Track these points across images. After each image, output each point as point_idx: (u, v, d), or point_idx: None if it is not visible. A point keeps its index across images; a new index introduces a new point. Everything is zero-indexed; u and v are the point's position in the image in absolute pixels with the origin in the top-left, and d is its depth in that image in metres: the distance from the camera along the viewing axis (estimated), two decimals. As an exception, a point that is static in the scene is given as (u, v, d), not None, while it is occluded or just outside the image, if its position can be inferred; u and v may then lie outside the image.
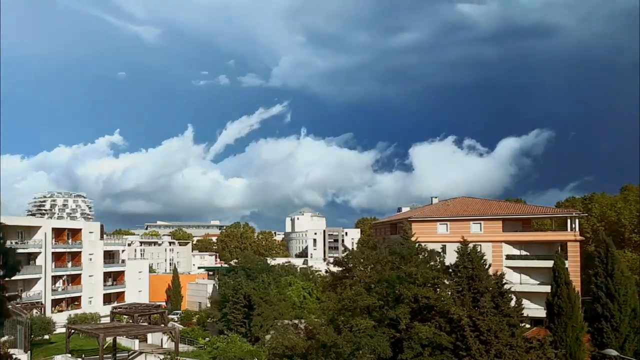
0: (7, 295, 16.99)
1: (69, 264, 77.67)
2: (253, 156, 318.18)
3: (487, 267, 31.76)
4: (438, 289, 31.32)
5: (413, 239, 39.17)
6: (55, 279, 75.05)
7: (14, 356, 18.82)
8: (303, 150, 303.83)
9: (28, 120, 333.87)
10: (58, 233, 76.58)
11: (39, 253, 70.89)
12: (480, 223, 62.89)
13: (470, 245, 32.50)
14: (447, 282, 31.88)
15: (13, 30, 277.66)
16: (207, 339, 60.49)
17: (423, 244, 37.28)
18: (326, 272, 40.47)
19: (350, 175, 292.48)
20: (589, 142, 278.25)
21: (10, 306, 17.52)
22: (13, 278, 16.42)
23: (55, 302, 74.61)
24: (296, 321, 44.60)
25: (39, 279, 70.47)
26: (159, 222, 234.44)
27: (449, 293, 31.01)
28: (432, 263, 33.79)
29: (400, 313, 29.89)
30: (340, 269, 36.70)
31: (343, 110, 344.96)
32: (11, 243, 62.17)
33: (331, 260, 43.56)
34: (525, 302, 52.35)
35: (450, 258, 35.54)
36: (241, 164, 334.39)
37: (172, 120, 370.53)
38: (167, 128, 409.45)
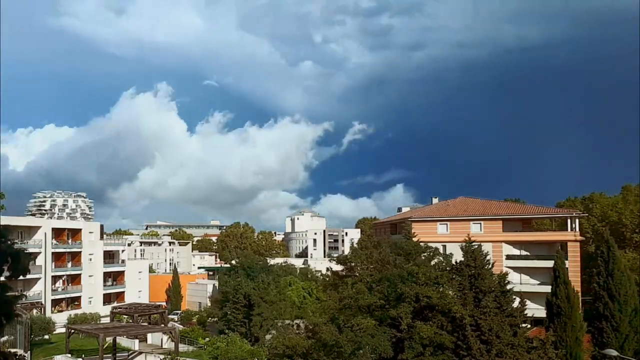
0: (12, 295, 16.92)
1: (69, 264, 77.61)
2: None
3: (490, 266, 31.73)
4: (441, 288, 31.26)
5: (415, 239, 39.19)
6: (55, 279, 74.99)
7: (17, 353, 18.77)
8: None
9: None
10: (58, 233, 76.53)
11: (39, 253, 70.77)
12: (480, 223, 62.87)
13: (475, 244, 32.45)
14: (450, 281, 31.83)
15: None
16: (207, 339, 60.46)
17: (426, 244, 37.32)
18: (327, 270, 40.44)
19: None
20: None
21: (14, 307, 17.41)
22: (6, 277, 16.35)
23: (55, 302, 74.54)
24: (297, 321, 44.62)
25: (38, 279, 70.38)
26: (158, 222, 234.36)
27: (450, 292, 30.97)
28: (435, 261, 33.77)
29: (401, 312, 29.85)
30: (342, 267, 36.69)
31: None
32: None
33: (334, 258, 43.56)
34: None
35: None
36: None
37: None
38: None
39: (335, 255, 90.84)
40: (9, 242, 15.70)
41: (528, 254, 61.65)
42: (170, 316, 78.85)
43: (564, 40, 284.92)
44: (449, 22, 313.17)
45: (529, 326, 34.06)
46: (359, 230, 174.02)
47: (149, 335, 60.67)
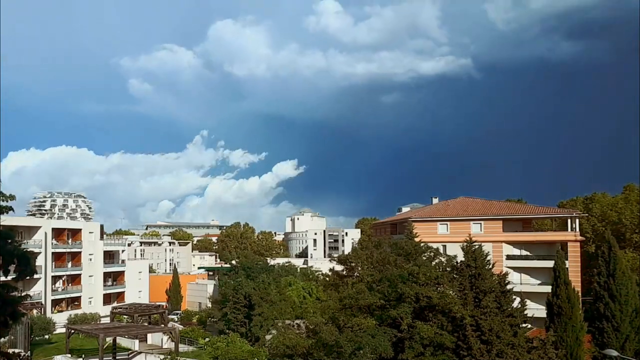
0: (18, 296, 16.93)
1: (69, 264, 77.58)
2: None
3: (490, 266, 31.70)
4: (440, 288, 31.24)
5: (417, 239, 39.18)
6: (55, 279, 74.95)
7: (21, 354, 18.77)
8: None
9: None
10: (58, 233, 76.48)
11: (39, 253, 70.56)
12: (480, 223, 62.82)
13: (476, 244, 32.40)
14: (450, 282, 31.80)
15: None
16: (207, 339, 60.39)
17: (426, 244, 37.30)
18: (330, 270, 40.42)
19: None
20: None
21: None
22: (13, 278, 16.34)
23: (55, 302, 74.51)
24: (297, 321, 44.57)
25: (38, 279, 70.32)
26: (159, 222, 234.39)
27: (451, 292, 30.94)
28: (436, 262, 33.74)
29: (401, 312, 29.83)
30: (343, 267, 36.67)
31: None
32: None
33: (335, 258, 43.49)
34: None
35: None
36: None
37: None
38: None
39: (336, 255, 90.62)
40: (16, 244, 15.72)
41: (528, 254, 61.61)
42: (170, 316, 78.83)
43: (566, 41, 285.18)
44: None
45: (529, 326, 34.06)
46: (359, 230, 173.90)
47: (149, 336, 60.65)
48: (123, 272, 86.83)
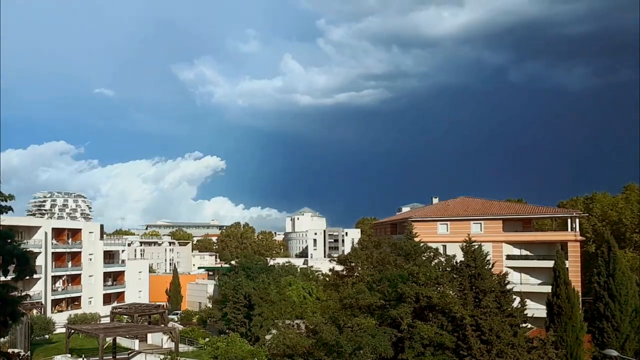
0: (17, 295, 16.91)
1: (69, 264, 77.57)
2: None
3: (490, 266, 31.67)
4: (440, 288, 31.21)
5: (417, 239, 39.16)
6: (55, 279, 74.93)
7: (20, 354, 18.77)
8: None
9: None
10: (58, 233, 76.47)
11: (39, 253, 70.60)
12: (480, 223, 62.79)
13: (475, 244, 32.36)
14: (450, 281, 31.78)
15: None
16: (207, 339, 60.38)
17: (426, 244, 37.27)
18: (330, 270, 40.43)
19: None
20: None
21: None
22: (13, 277, 16.34)
23: (55, 302, 74.51)
24: (297, 321, 44.54)
25: (38, 279, 70.32)
26: (159, 222, 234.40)
27: (451, 292, 30.93)
28: (436, 262, 33.72)
29: (402, 312, 29.83)
30: (343, 267, 36.68)
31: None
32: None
33: (335, 258, 43.49)
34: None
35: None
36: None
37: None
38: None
39: (336, 255, 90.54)
40: (15, 243, 15.70)
41: (528, 253, 61.58)
42: (170, 316, 78.83)
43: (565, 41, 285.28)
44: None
45: (529, 326, 34.06)
46: (359, 230, 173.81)
47: (149, 335, 60.64)
48: (123, 272, 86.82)
